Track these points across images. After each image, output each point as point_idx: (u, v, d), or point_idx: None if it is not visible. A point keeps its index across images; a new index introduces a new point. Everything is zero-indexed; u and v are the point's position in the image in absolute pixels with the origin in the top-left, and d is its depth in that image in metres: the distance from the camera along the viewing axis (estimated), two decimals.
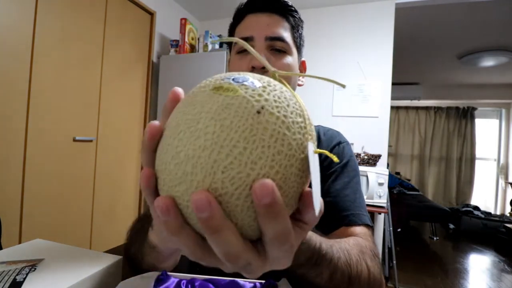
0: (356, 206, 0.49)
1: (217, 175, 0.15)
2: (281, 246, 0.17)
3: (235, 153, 0.15)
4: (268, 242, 0.17)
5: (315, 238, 0.31)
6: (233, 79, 0.18)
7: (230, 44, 0.61)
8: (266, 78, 0.19)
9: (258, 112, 0.16)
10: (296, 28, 0.56)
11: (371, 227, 0.48)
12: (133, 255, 0.39)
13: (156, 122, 0.19)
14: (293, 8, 0.55)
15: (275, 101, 0.17)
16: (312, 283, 0.33)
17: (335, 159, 0.18)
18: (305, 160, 0.17)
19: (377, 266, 0.38)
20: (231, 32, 0.58)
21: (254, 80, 0.18)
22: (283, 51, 0.51)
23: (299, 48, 0.57)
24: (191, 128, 0.16)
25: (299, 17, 0.57)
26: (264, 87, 0.18)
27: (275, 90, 0.18)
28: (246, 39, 0.51)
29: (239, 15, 0.56)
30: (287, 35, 0.53)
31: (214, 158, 0.15)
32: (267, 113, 0.16)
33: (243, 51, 0.52)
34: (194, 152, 0.15)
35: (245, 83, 0.17)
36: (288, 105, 0.17)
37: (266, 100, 0.17)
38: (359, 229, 0.46)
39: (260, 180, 0.15)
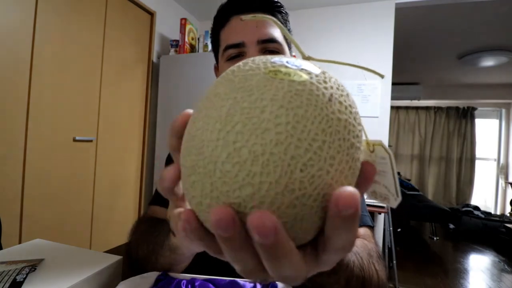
0: None
1: (294, 174, 0.13)
2: (344, 253, 0.15)
3: (315, 148, 0.13)
4: (331, 250, 0.15)
5: None
6: (287, 62, 0.16)
7: (216, 50, 0.56)
8: (314, 63, 0.18)
9: (330, 101, 0.15)
10: (284, 24, 0.53)
11: (372, 227, 0.48)
12: (141, 257, 0.38)
13: (190, 111, 0.17)
14: (279, 4, 0.52)
15: (337, 88, 0.16)
16: None
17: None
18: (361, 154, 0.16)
19: (384, 269, 0.37)
20: (215, 37, 0.55)
21: (310, 65, 0.16)
22: (276, 52, 0.49)
23: (289, 44, 0.55)
24: (252, 118, 0.14)
25: (285, 11, 0.54)
26: (323, 73, 0.16)
27: (332, 77, 0.16)
28: (237, 45, 0.48)
29: (223, 18, 0.52)
30: (278, 34, 0.50)
31: (291, 154, 0.13)
32: (337, 102, 0.15)
33: (235, 58, 0.49)
34: (264, 147, 0.13)
35: (303, 68, 0.16)
36: (347, 94, 0.16)
37: (332, 87, 0.15)
38: (362, 231, 0.45)
39: (342, 188, 0.13)
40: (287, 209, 0.13)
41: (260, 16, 0.20)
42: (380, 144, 0.18)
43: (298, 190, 0.13)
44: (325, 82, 0.15)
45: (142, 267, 0.38)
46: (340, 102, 0.15)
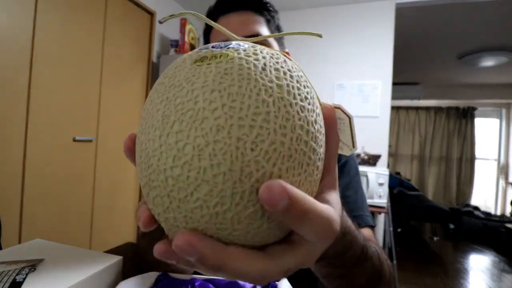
0: (358, 207, 0.49)
1: (246, 156, 0.12)
2: (325, 239, 0.14)
3: (260, 121, 0.12)
4: (303, 241, 0.14)
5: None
6: (212, 47, 0.15)
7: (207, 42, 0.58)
8: (248, 42, 0.17)
9: (264, 70, 0.14)
10: (272, 20, 0.53)
11: (373, 227, 0.48)
12: (150, 261, 0.39)
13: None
14: (265, 1, 0.52)
15: (271, 57, 0.15)
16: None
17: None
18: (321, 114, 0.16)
19: (391, 269, 0.38)
20: (206, 38, 0.56)
21: (237, 42, 0.16)
22: None
23: (279, 40, 0.55)
24: (188, 112, 0.13)
25: (273, 8, 0.54)
26: (253, 47, 0.15)
27: (265, 49, 0.15)
28: None
29: (212, 17, 0.53)
30: (264, 30, 0.50)
31: (236, 135, 0.12)
32: (273, 69, 0.14)
33: None
34: (207, 138, 0.12)
35: (230, 46, 0.15)
36: (284, 60, 0.15)
37: (264, 57, 0.14)
38: (366, 232, 0.45)
39: (265, 184, 0.12)
40: (251, 196, 0.12)
41: (178, 14, 0.19)
42: (339, 107, 0.20)
43: (256, 171, 0.12)
44: (255, 54, 0.15)
45: (152, 270, 0.38)
46: (277, 69, 0.14)
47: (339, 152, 0.20)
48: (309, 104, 0.15)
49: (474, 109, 4.49)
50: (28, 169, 1.35)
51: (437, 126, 4.62)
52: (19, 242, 1.32)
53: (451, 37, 2.62)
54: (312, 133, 0.14)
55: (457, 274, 2.27)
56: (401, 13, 2.12)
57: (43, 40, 1.39)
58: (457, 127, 4.53)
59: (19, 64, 1.30)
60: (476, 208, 3.76)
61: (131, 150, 0.17)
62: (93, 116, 1.67)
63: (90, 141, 1.65)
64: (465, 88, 4.20)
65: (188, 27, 2.09)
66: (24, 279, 0.33)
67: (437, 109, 4.64)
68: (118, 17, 1.80)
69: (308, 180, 0.14)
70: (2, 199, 1.25)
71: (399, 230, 3.13)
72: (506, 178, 4.21)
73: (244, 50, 0.15)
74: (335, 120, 0.17)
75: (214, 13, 0.52)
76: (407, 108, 4.74)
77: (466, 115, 4.51)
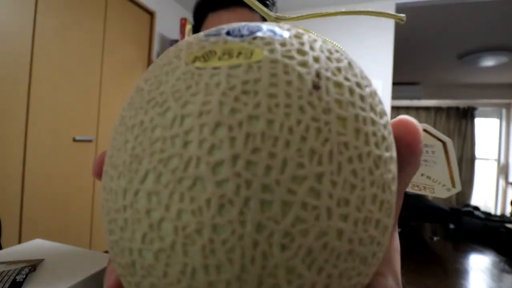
0: None
1: (271, 258, 0.07)
2: None
3: (302, 194, 0.07)
4: None
5: None
6: (227, 33, 0.09)
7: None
8: (283, 25, 0.10)
9: (316, 88, 0.08)
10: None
11: None
12: None
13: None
14: None
15: (328, 58, 0.09)
16: None
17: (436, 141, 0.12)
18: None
19: None
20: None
21: (270, 27, 0.10)
22: None
23: None
24: (171, 161, 0.08)
25: (271, 1, 0.46)
26: (298, 36, 0.09)
27: (317, 39, 0.10)
28: None
29: (200, 15, 0.48)
30: None
31: (256, 218, 0.07)
32: (331, 85, 0.08)
33: None
34: (200, 217, 0.07)
35: (258, 35, 0.09)
36: (350, 65, 0.09)
37: (317, 59, 0.09)
38: None
39: None
40: None
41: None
42: (426, 129, 0.13)
43: (287, 284, 0.07)
44: (300, 52, 0.09)
45: None
46: (339, 85, 0.08)
47: (426, 193, 0.15)
48: (387, 150, 0.09)
49: (474, 109, 4.49)
50: (28, 169, 1.35)
51: (437, 126, 4.62)
52: (19, 242, 1.32)
53: (452, 37, 2.62)
54: (388, 202, 0.09)
55: (457, 274, 2.27)
56: (401, 13, 2.11)
57: (43, 39, 1.39)
58: (457, 127, 4.53)
59: (19, 64, 1.30)
60: (476, 208, 3.76)
61: (100, 176, 0.12)
62: (93, 116, 1.67)
63: (90, 141, 1.65)
64: (465, 88, 4.20)
65: (188, 27, 2.09)
66: (24, 279, 0.33)
67: (437, 109, 4.64)
68: (118, 17, 1.80)
69: (367, 276, 0.09)
70: (2, 199, 1.25)
71: (399, 230, 3.13)
72: (506, 178, 4.21)
73: (282, 45, 0.09)
74: (418, 152, 0.10)
75: (202, 10, 0.47)
76: (407, 108, 4.74)
77: (466, 115, 4.51)
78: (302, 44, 0.09)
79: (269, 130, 0.07)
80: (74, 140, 1.56)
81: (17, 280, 0.33)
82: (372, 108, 0.09)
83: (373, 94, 0.10)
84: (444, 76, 3.85)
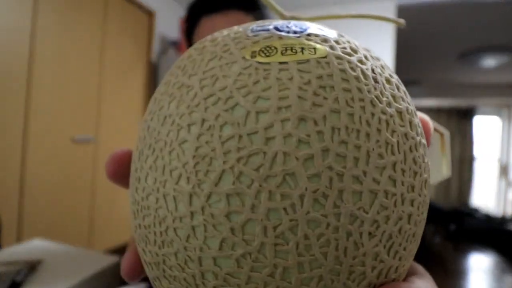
0: None
1: (361, 246, 0.07)
2: None
3: (384, 182, 0.08)
4: None
5: None
6: (276, 28, 0.09)
7: (190, 45, 0.50)
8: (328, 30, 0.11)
9: (376, 83, 0.09)
10: (263, 18, 0.46)
11: None
12: None
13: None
14: None
15: (371, 56, 0.10)
16: None
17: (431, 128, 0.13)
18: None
19: None
20: (189, 37, 0.49)
21: (313, 26, 0.10)
22: None
23: None
24: (253, 158, 0.07)
25: (262, 3, 0.46)
26: (340, 35, 0.10)
27: (354, 42, 0.10)
28: None
29: (193, 18, 0.47)
30: None
31: (349, 210, 0.07)
32: (384, 80, 0.09)
33: None
34: (291, 216, 0.07)
35: (307, 31, 0.09)
36: (383, 64, 0.10)
37: (366, 56, 0.10)
38: None
39: None
40: None
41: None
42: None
43: (371, 270, 0.08)
44: (353, 50, 0.09)
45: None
46: (388, 80, 0.09)
47: None
48: (423, 137, 0.10)
49: (475, 109, 4.49)
50: (28, 169, 1.35)
51: None
52: (18, 242, 1.32)
53: (452, 37, 2.62)
54: (430, 186, 0.10)
55: (458, 274, 2.27)
56: (401, 13, 2.11)
57: (42, 38, 1.39)
58: (458, 127, 4.53)
59: (18, 64, 1.30)
60: (477, 208, 3.75)
61: (118, 178, 0.12)
62: (93, 116, 1.67)
63: (90, 141, 1.65)
64: (465, 88, 4.20)
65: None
66: (23, 280, 0.32)
67: (438, 109, 4.63)
68: (117, 16, 1.80)
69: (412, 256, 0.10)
70: (1, 198, 1.25)
71: None
72: (507, 178, 4.21)
73: (337, 42, 0.09)
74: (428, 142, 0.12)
75: (195, 14, 0.46)
76: None
77: (467, 115, 4.51)
78: (349, 42, 0.10)
79: (351, 123, 0.08)
80: (74, 140, 1.56)
81: (16, 281, 0.33)
82: (410, 101, 0.10)
83: (404, 88, 0.11)
84: (445, 76, 3.85)
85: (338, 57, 0.09)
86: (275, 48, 0.09)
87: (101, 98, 1.71)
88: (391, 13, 2.05)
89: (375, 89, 0.09)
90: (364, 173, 0.07)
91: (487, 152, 4.43)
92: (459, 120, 4.53)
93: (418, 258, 2.59)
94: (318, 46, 0.09)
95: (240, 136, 0.07)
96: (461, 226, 3.40)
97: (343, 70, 0.08)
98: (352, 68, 0.09)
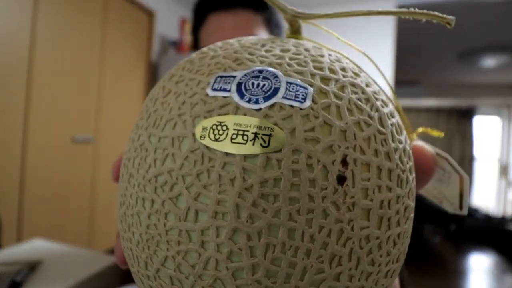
0: None
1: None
2: None
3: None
4: None
5: None
6: (239, 89, 0.08)
7: (196, 48, 0.50)
8: (314, 50, 0.10)
9: (341, 181, 0.08)
10: (271, 17, 0.44)
11: None
12: None
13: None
14: None
15: (358, 123, 0.08)
16: None
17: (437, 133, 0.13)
18: None
19: None
20: (195, 35, 0.48)
21: (290, 80, 0.08)
22: None
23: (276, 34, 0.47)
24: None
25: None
26: (321, 91, 0.09)
27: (345, 86, 0.09)
28: None
29: (200, 15, 0.46)
30: (261, 33, 0.42)
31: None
32: (358, 168, 0.08)
33: None
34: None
35: (277, 98, 0.08)
36: (397, 122, 0.10)
37: (344, 131, 0.08)
38: None
39: None
40: None
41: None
42: (447, 158, 0.13)
43: None
44: (327, 124, 0.08)
45: None
46: (367, 164, 0.08)
47: (433, 200, 0.16)
48: (406, 220, 0.09)
49: (475, 109, 4.49)
50: (28, 169, 1.35)
51: (438, 126, 4.62)
52: (18, 242, 1.32)
53: (452, 37, 2.62)
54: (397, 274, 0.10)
55: (458, 274, 2.27)
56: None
57: (42, 39, 1.39)
58: (458, 127, 4.53)
59: (18, 64, 1.30)
60: (477, 208, 3.75)
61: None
62: (93, 116, 1.67)
63: (89, 141, 1.65)
64: (465, 88, 4.20)
65: (188, 27, 2.09)
66: (22, 280, 0.32)
67: (438, 109, 4.63)
68: (117, 16, 1.80)
69: None
70: (1, 198, 1.25)
71: None
72: (507, 178, 4.21)
73: (305, 117, 0.08)
74: (429, 172, 0.12)
75: (201, 10, 0.45)
76: (408, 109, 4.73)
77: (467, 115, 4.51)
78: (328, 107, 0.08)
79: (289, 240, 0.07)
80: (73, 140, 1.56)
81: (15, 281, 0.33)
82: (401, 181, 0.09)
83: (407, 153, 0.09)
84: (445, 76, 3.85)
85: (296, 150, 0.07)
86: (226, 128, 0.08)
87: (101, 98, 1.71)
88: None
89: (335, 191, 0.07)
90: (297, 287, 0.07)
91: (487, 152, 4.43)
92: (459, 120, 4.53)
93: (418, 258, 2.59)
94: (276, 130, 0.07)
95: (181, 231, 0.08)
96: (461, 226, 3.40)
97: (296, 172, 0.07)
98: (309, 166, 0.07)
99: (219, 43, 0.12)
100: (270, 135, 0.07)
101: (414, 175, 0.10)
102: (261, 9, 0.43)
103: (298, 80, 0.08)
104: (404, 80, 3.99)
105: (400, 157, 0.09)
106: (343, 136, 0.08)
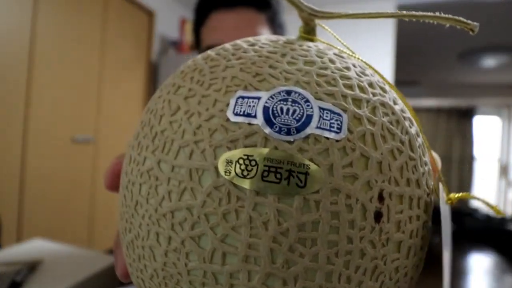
0: None
1: None
2: None
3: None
4: None
5: None
6: (265, 115, 0.07)
7: (198, 47, 0.49)
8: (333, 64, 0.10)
9: (378, 218, 0.07)
10: (274, 17, 0.43)
11: None
12: None
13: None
14: None
15: (391, 151, 0.08)
16: None
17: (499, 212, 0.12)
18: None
19: None
20: (197, 33, 0.47)
21: (323, 104, 0.08)
22: None
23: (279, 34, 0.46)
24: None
25: (277, 2, 0.44)
26: (356, 117, 0.08)
27: (376, 107, 0.09)
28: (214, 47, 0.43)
29: (202, 13, 0.45)
30: (264, 32, 0.41)
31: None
32: (393, 202, 0.08)
33: None
34: None
35: (311, 129, 0.07)
36: (422, 144, 0.10)
37: (379, 162, 0.08)
38: None
39: None
40: None
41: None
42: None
43: None
44: (364, 157, 0.07)
45: None
46: (400, 196, 0.08)
47: None
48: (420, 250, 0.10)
49: (475, 109, 4.49)
50: (28, 169, 1.35)
51: (438, 126, 4.62)
52: (19, 242, 1.32)
53: (452, 37, 2.62)
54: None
55: (458, 275, 2.27)
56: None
57: (42, 39, 1.39)
58: (458, 127, 4.53)
59: (17, 64, 1.30)
60: (477, 208, 3.75)
61: (114, 189, 0.12)
62: (93, 116, 1.67)
63: (89, 141, 1.65)
64: (466, 88, 4.20)
65: (188, 27, 2.09)
66: (23, 280, 0.32)
67: (438, 109, 4.63)
68: (117, 16, 1.80)
69: None
70: (1, 198, 1.25)
71: None
72: (507, 178, 4.21)
73: (341, 151, 0.07)
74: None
75: (203, 9, 0.44)
76: None
77: (467, 115, 4.51)
78: (363, 136, 0.07)
79: (326, 283, 0.07)
80: (73, 140, 1.56)
81: (15, 281, 0.33)
82: (426, 206, 0.09)
83: (431, 174, 0.09)
84: (445, 76, 3.85)
85: (335, 190, 0.07)
86: (256, 163, 0.07)
87: (101, 98, 1.71)
88: None
89: (372, 229, 0.07)
90: None
91: (487, 152, 4.43)
92: (459, 120, 4.53)
93: None
94: (312, 168, 0.07)
95: (205, 272, 0.07)
96: (461, 226, 3.40)
97: (335, 214, 0.07)
98: (348, 207, 0.07)
99: (229, 48, 0.10)
100: (306, 173, 0.07)
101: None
102: (264, 8, 0.42)
103: (331, 104, 0.08)
104: (404, 80, 3.99)
105: (426, 181, 0.09)
106: (379, 169, 0.07)
